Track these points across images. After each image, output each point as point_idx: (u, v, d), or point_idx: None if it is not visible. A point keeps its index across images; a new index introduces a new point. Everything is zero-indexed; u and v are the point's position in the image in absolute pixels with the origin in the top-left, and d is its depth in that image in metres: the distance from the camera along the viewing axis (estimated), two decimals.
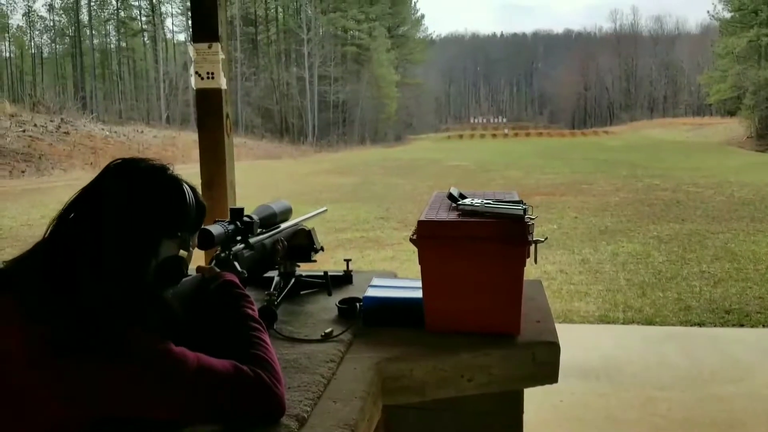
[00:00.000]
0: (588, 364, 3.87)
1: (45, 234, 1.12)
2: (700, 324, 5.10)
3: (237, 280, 1.37)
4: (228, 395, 1.12)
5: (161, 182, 1.16)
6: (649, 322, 5.17)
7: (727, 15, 47.69)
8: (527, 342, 1.63)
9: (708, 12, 67.50)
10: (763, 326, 5.02)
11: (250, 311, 1.32)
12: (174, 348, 1.08)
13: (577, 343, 4.21)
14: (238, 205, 1.67)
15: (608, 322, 5.22)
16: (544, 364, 1.61)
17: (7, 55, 54.15)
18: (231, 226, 1.53)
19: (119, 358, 1.03)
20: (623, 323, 5.18)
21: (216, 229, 1.46)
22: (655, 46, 78.74)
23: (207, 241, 1.42)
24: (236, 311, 1.30)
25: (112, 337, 1.02)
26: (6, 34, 53.85)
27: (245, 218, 1.61)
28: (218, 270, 1.39)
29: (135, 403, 1.05)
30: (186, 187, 1.18)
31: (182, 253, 1.17)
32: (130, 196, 1.12)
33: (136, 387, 1.04)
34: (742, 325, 5.03)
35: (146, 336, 1.06)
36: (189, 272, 1.28)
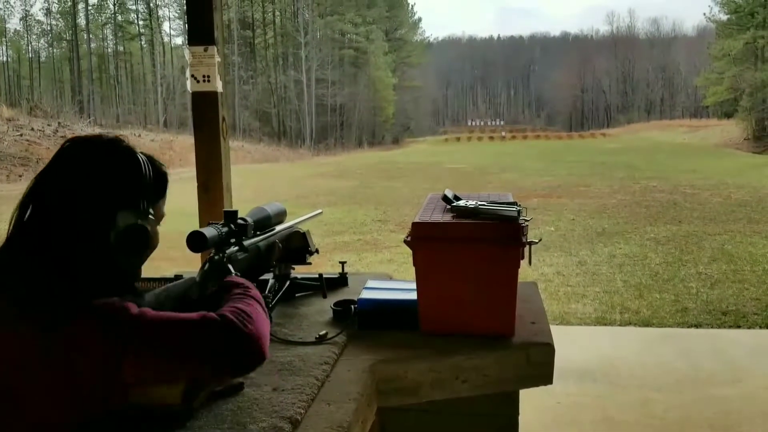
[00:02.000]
0: (585, 366, 3.87)
1: (10, 221, 1.14)
2: (697, 325, 5.11)
3: (241, 280, 1.37)
4: (195, 340, 1.11)
5: (113, 154, 1.16)
6: (646, 324, 5.18)
7: (724, 17, 47.74)
8: (522, 343, 1.62)
9: (704, 14, 67.44)
10: (760, 327, 5.02)
11: (244, 286, 1.32)
12: (134, 307, 1.10)
13: (574, 344, 4.22)
14: (236, 208, 1.66)
15: (605, 324, 5.23)
16: (539, 365, 1.61)
17: (4, 59, 54.22)
18: (224, 229, 1.52)
19: (82, 323, 1.05)
20: (620, 325, 5.19)
21: (209, 231, 1.46)
22: (652, 49, 78.79)
23: (200, 244, 1.42)
24: (229, 289, 1.31)
25: (74, 305, 1.05)
26: (3, 38, 53.86)
27: (239, 221, 1.60)
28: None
29: (106, 364, 1.06)
30: (141, 156, 1.18)
31: (143, 222, 1.16)
32: (83, 171, 1.13)
33: (102, 348, 1.05)
34: (738, 327, 5.03)
35: (107, 300, 1.08)
36: (187, 275, 1.28)
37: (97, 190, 1.12)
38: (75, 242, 1.10)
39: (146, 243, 1.15)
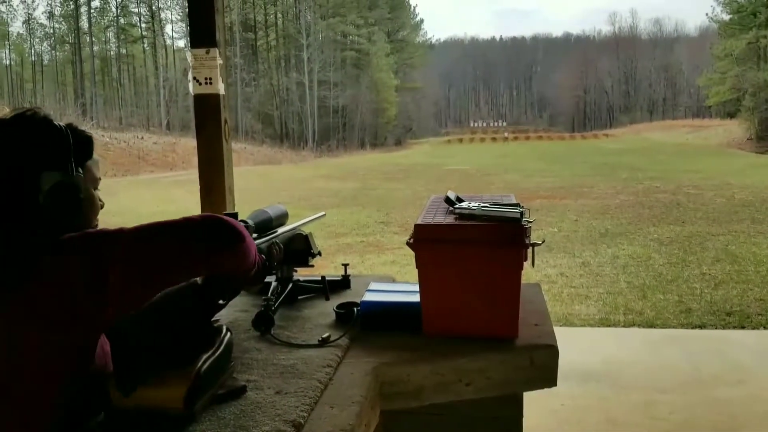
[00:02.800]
0: (589, 368, 3.86)
1: None
2: (701, 326, 5.09)
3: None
4: (178, 234, 1.15)
5: (25, 122, 1.17)
6: (650, 325, 5.16)
7: (726, 17, 47.75)
8: (525, 345, 1.62)
9: (707, 14, 67.65)
10: (764, 328, 5.01)
11: None
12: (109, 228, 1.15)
13: (578, 346, 4.20)
14: (239, 210, 1.66)
15: (609, 325, 5.21)
16: (543, 368, 1.60)
17: (8, 62, 54.30)
18: None
19: (53, 259, 1.07)
20: (624, 326, 5.17)
21: None
22: (654, 49, 78.83)
23: None
24: None
25: (32, 257, 1.07)
26: (6, 42, 53.98)
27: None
28: None
29: (91, 287, 1.07)
30: (59, 123, 1.19)
31: (69, 179, 1.16)
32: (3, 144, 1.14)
33: (85, 271, 1.07)
34: (743, 327, 5.02)
35: (75, 233, 1.11)
36: None
37: (19, 156, 1.13)
38: (10, 209, 1.11)
39: (77, 198, 1.16)
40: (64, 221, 1.14)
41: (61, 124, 1.19)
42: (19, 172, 1.12)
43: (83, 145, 1.21)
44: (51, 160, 1.14)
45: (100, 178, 1.28)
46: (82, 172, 1.19)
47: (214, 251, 1.19)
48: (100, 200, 1.27)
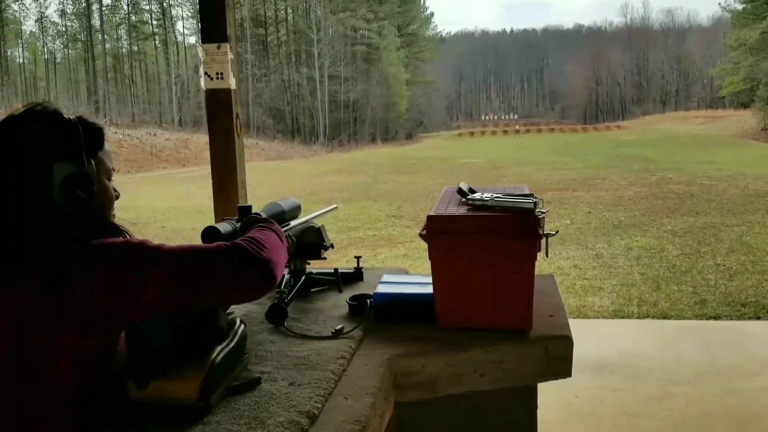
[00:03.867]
0: (603, 360, 3.84)
1: None
2: (716, 317, 5.06)
3: (264, 217, 1.48)
4: (204, 265, 1.16)
5: (35, 117, 1.18)
6: (665, 317, 5.14)
7: (739, 6, 47.20)
8: (540, 336, 1.61)
9: (719, 4, 66.40)
10: None
11: (267, 221, 1.40)
12: (134, 238, 1.18)
13: (592, 338, 4.19)
14: (251, 205, 1.66)
15: (623, 317, 5.19)
16: (558, 359, 1.60)
17: (21, 60, 54.71)
18: (239, 224, 1.53)
19: (85, 265, 1.09)
20: (638, 318, 5.15)
21: (223, 226, 1.46)
22: (667, 40, 78.12)
23: (214, 239, 1.42)
24: (251, 225, 1.39)
25: (64, 258, 1.08)
26: (19, 40, 54.33)
27: (253, 215, 1.60)
28: None
29: (126, 297, 1.10)
30: (69, 116, 1.20)
31: (81, 169, 1.16)
32: (11, 141, 1.15)
33: (111, 281, 1.10)
34: (758, 318, 4.98)
35: (103, 240, 1.13)
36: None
37: (30, 150, 1.14)
38: (29, 204, 1.13)
39: (90, 189, 1.16)
40: (82, 214, 1.14)
41: (71, 116, 1.19)
42: (31, 166, 1.13)
43: (93, 135, 1.22)
44: (62, 152, 1.15)
45: (113, 169, 1.28)
46: (94, 163, 1.19)
47: (240, 294, 1.22)
48: (115, 190, 1.28)
